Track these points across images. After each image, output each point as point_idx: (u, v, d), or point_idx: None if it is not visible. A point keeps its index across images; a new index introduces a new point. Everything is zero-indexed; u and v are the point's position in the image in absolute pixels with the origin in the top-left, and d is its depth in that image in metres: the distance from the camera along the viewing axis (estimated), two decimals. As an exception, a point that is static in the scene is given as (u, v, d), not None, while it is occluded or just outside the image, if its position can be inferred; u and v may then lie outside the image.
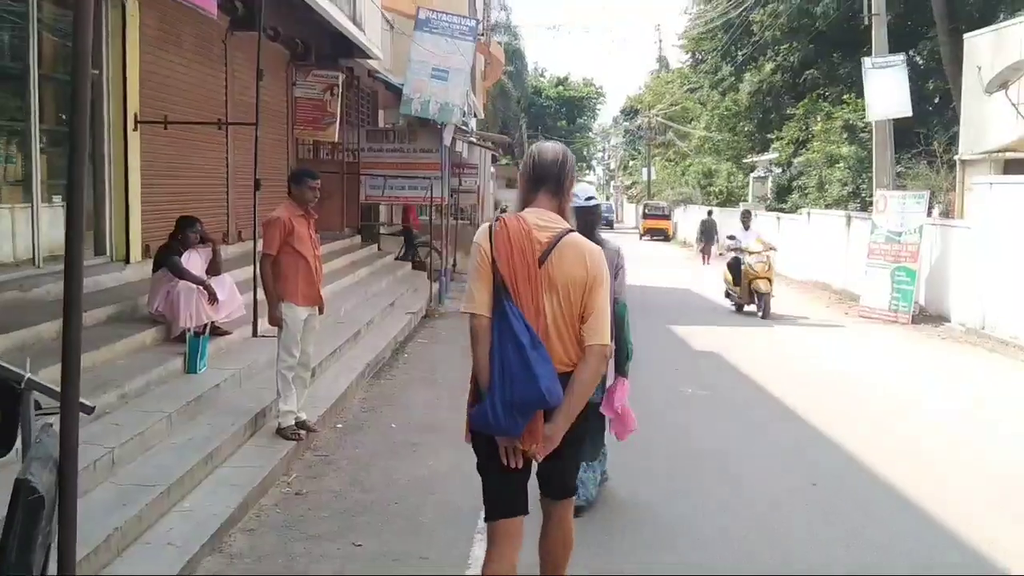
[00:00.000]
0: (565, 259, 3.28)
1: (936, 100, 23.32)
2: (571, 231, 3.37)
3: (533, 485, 3.50)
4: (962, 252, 13.70)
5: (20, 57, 7.31)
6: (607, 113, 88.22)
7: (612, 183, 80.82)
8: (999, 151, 15.30)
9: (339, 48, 14.55)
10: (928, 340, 12.94)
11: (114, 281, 8.28)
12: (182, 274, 7.15)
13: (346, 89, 14.73)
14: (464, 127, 20.16)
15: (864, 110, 21.56)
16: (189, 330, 7.04)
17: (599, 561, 4.63)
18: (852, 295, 16.88)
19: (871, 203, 19.52)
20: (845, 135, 22.54)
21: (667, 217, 42.56)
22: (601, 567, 4.59)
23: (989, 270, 12.65)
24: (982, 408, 8.80)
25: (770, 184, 30.31)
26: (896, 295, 14.69)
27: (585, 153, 71.56)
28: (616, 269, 4.95)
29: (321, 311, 6.79)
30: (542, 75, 65.24)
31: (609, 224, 53.09)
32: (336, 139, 14.35)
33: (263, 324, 7.73)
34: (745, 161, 35.06)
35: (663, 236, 41.51)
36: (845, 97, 23.63)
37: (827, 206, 21.93)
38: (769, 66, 29.69)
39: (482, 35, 18.97)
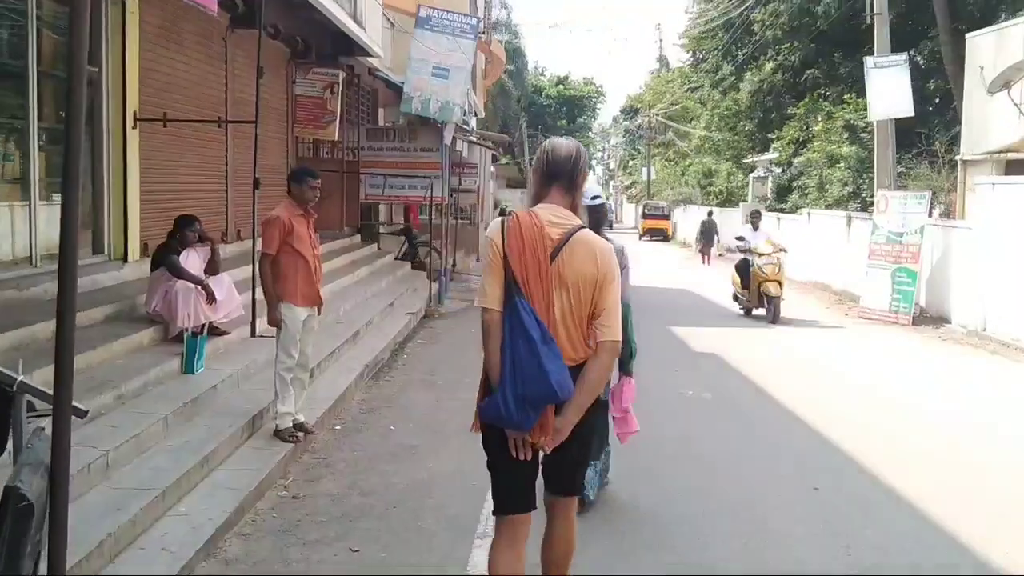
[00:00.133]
0: (576, 256, 3.30)
1: (937, 100, 23.26)
2: (583, 227, 3.39)
3: (541, 485, 3.50)
4: (963, 253, 13.64)
5: (19, 54, 7.25)
6: (607, 112, 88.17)
7: (612, 183, 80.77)
8: (1001, 151, 15.24)
9: (339, 46, 14.48)
10: (929, 342, 12.89)
11: (112, 280, 8.22)
12: (180, 273, 7.09)
13: (346, 87, 14.67)
14: (465, 126, 20.10)
15: (865, 110, 21.52)
16: (187, 330, 6.98)
17: (600, 562, 4.57)
18: (852, 296, 16.82)
19: (871, 203, 19.46)
20: (846, 135, 22.47)
21: (667, 217, 42.52)
22: (601, 568, 4.53)
23: (991, 271, 12.59)
24: (986, 411, 8.73)
25: (770, 184, 30.25)
26: (897, 296, 14.64)
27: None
28: (620, 268, 4.91)
29: (320, 311, 6.73)
30: (542, 74, 65.15)
31: (608, 224, 52.99)
32: (336, 138, 14.30)
33: (261, 324, 7.67)
34: (745, 161, 35.01)
35: (662, 236, 41.48)
36: (846, 97, 23.56)
37: (827, 206, 21.87)
38: (770, 65, 29.62)
39: (483, 33, 18.89)
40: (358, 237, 16.76)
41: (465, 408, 7.81)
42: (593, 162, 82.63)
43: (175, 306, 7.03)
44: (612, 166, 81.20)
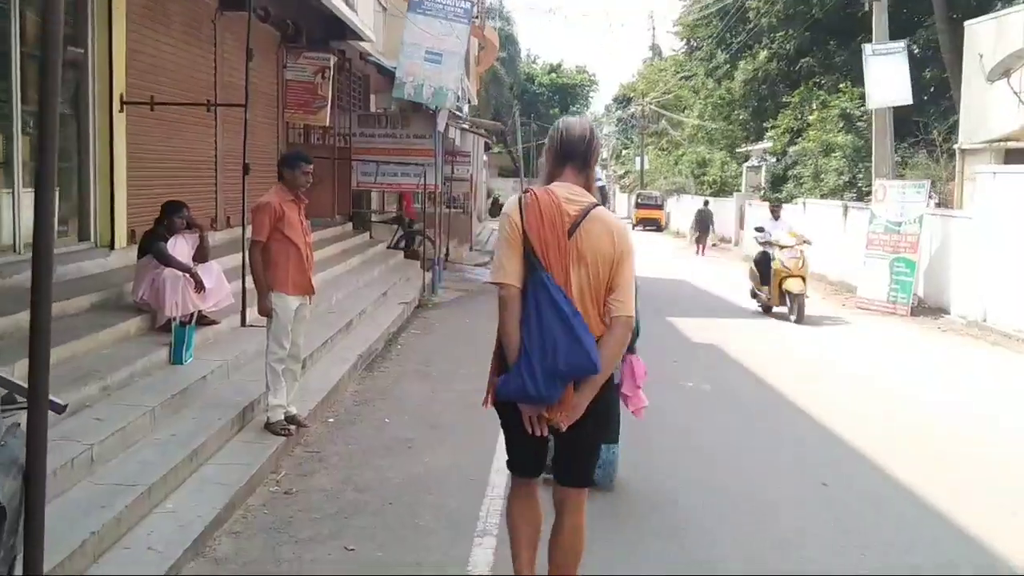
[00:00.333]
0: (592, 232, 3.34)
1: (932, 89, 23.10)
2: (597, 205, 3.43)
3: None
4: (963, 243, 13.50)
5: (2, 36, 7.00)
6: (600, 101, 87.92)
7: (604, 172, 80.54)
8: (1000, 140, 15.11)
9: (331, 30, 14.23)
10: (928, 333, 12.76)
11: (98, 268, 7.99)
12: (168, 261, 6.87)
13: (337, 72, 14.41)
14: (458, 113, 19.87)
15: (861, 98, 21.39)
16: (175, 319, 6.77)
17: (606, 561, 4.40)
18: (849, 286, 16.68)
19: (868, 193, 19.32)
20: (841, 124, 22.31)
21: (660, 207, 42.28)
22: (607, 565, 4.36)
23: (991, 261, 12.46)
24: (990, 403, 8.60)
25: (764, 173, 30.10)
26: (895, 286, 14.51)
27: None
28: None
29: (312, 300, 6.52)
30: (534, 62, 64.85)
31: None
32: (327, 123, 14.05)
33: (252, 313, 7.47)
34: (739, 150, 34.84)
35: (656, 226, 41.26)
36: (841, 86, 23.40)
37: (823, 196, 21.72)
38: (764, 53, 29.46)
39: (476, 18, 18.64)
40: (350, 225, 16.52)
41: (461, 400, 7.72)
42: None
43: (163, 294, 6.82)
44: (605, 155, 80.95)
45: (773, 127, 27.94)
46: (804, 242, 13.46)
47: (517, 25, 48.68)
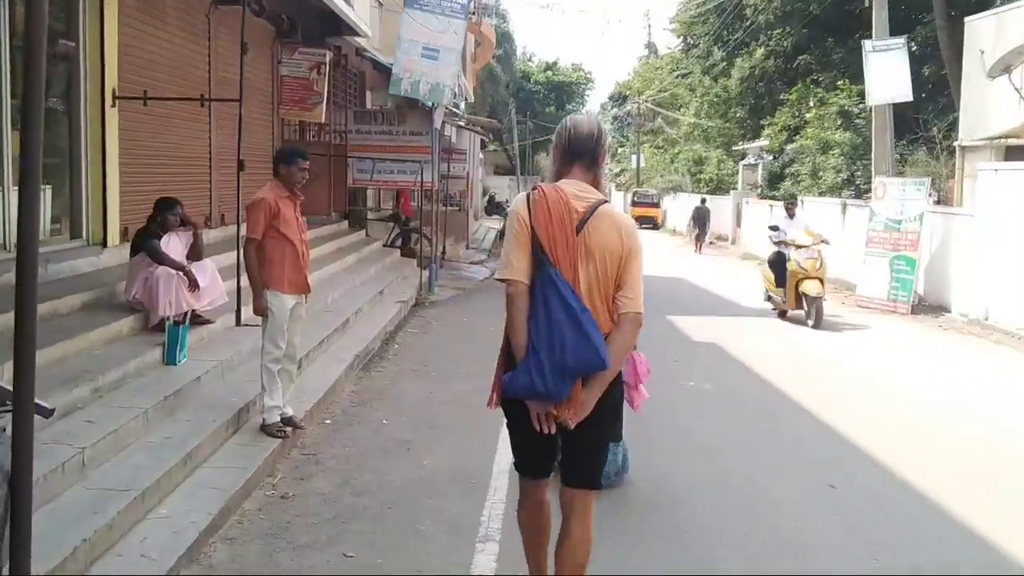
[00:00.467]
0: (601, 229, 3.32)
1: (930, 86, 23.03)
2: (605, 202, 3.41)
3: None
4: (964, 240, 13.40)
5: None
6: (595, 99, 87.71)
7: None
8: (1000, 137, 15.04)
9: (326, 25, 14.09)
10: (930, 331, 12.66)
11: (90, 266, 7.84)
12: (161, 259, 6.74)
13: (333, 68, 14.26)
14: (455, 110, 19.74)
15: (859, 96, 21.31)
16: (168, 319, 6.62)
17: (603, 557, 4.28)
18: (848, 284, 16.57)
19: (866, 190, 19.24)
20: (839, 121, 22.21)
21: (656, 205, 42.22)
22: (607, 563, 4.25)
23: (993, 259, 12.36)
24: (996, 402, 8.49)
25: (761, 171, 30.01)
26: (895, 284, 14.40)
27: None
28: None
29: (307, 299, 6.38)
30: (530, 59, 64.66)
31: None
32: (323, 120, 13.89)
33: (247, 312, 7.31)
34: (735, 148, 34.75)
35: (652, 224, 41.16)
36: (839, 83, 23.30)
37: (821, 193, 21.63)
38: (761, 51, 29.35)
39: (473, 14, 18.50)
40: (345, 223, 16.37)
41: (459, 400, 7.60)
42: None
43: (156, 293, 6.67)
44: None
45: (770, 124, 27.84)
46: (822, 241, 12.86)
47: (513, 22, 48.51)
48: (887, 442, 6.70)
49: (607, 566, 4.20)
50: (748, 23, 29.45)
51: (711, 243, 28.89)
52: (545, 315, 3.20)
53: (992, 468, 6.31)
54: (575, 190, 3.37)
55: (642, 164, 50.99)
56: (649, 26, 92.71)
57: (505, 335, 3.39)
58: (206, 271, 7.11)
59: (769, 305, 13.50)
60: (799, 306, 12.60)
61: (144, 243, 6.83)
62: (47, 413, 2.69)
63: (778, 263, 12.93)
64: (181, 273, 6.75)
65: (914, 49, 23.35)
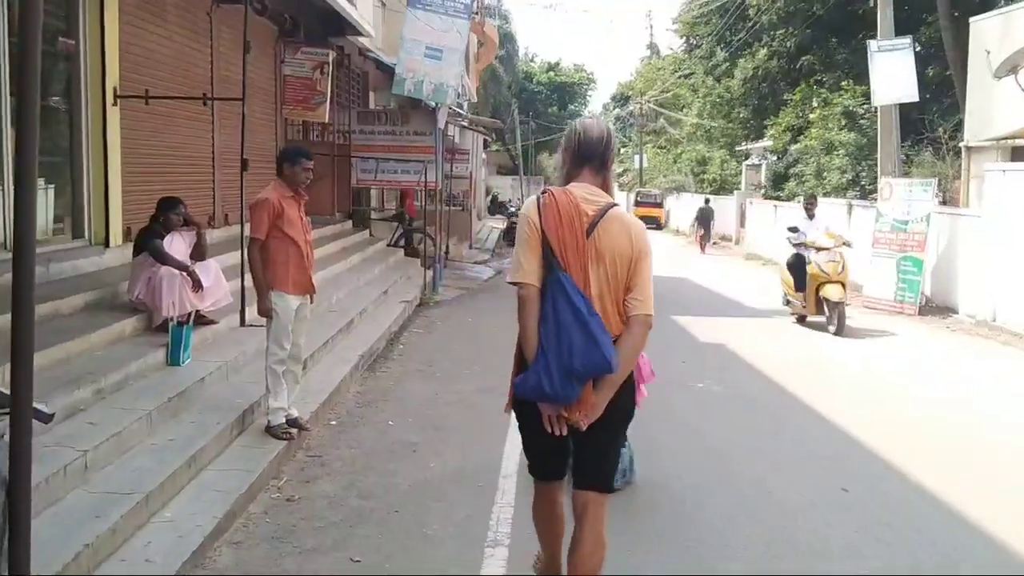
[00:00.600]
0: (611, 231, 3.34)
1: (934, 87, 22.94)
2: (615, 205, 3.43)
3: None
4: (972, 241, 13.30)
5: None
6: (597, 100, 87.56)
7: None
8: (1007, 137, 14.92)
9: (329, 25, 14.03)
10: (937, 332, 12.56)
11: (92, 266, 7.77)
12: (164, 259, 6.66)
13: (336, 68, 14.19)
14: (459, 110, 19.66)
15: (863, 96, 21.21)
16: (172, 319, 6.55)
17: (613, 563, 4.21)
18: (854, 285, 16.44)
19: (871, 191, 19.14)
20: (844, 122, 22.11)
21: (659, 205, 42.11)
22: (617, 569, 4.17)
23: (1001, 260, 12.25)
24: (1012, 403, 8.39)
25: (764, 172, 29.92)
26: (902, 286, 14.30)
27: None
28: None
29: (312, 299, 6.31)
30: (532, 60, 64.56)
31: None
32: (327, 120, 13.82)
33: (251, 312, 7.26)
34: (739, 148, 34.66)
35: (655, 224, 41.01)
36: (843, 83, 23.20)
37: (825, 194, 21.50)
38: (763, 52, 29.25)
39: (476, 14, 18.42)
40: (349, 223, 16.30)
41: (465, 401, 7.53)
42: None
43: (159, 293, 6.60)
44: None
45: (774, 125, 27.74)
46: (844, 243, 12.25)
47: (515, 23, 48.44)
48: (903, 445, 6.60)
49: (608, 566, 4.13)
50: (751, 23, 29.35)
51: (715, 243, 28.82)
52: (554, 318, 3.21)
53: (1016, 473, 6.22)
54: (585, 193, 3.40)
55: (645, 164, 50.88)
56: (651, 26, 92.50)
57: (518, 338, 3.39)
58: (210, 271, 7.05)
59: (787, 309, 12.90)
60: (820, 312, 11.98)
61: (147, 243, 6.76)
62: (46, 418, 2.61)
63: (797, 266, 12.31)
64: (184, 273, 6.68)
65: (918, 49, 23.18)
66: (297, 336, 6.07)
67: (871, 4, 17.94)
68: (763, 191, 28.06)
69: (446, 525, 4.81)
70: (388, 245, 16.80)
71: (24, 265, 2.41)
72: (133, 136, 8.55)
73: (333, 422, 6.76)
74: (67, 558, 3.66)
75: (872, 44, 16.88)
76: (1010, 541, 4.87)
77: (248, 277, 6.52)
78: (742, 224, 28.39)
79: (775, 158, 28.52)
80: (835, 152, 21.93)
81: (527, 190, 45.01)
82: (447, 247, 17.45)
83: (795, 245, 12.48)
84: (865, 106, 20.87)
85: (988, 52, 15.07)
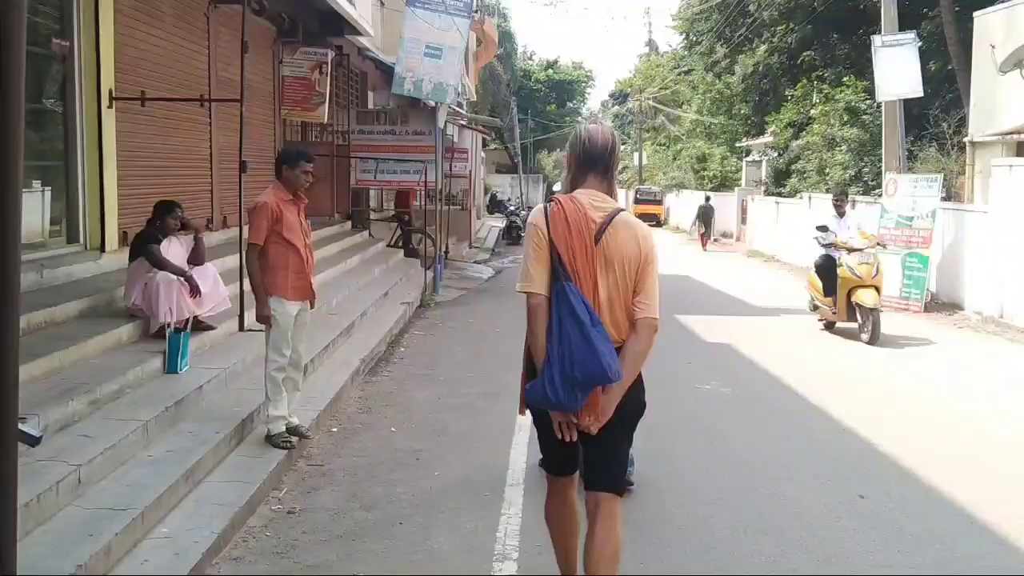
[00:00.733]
0: (619, 237, 3.38)
1: (935, 82, 22.76)
2: (622, 210, 3.46)
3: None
4: (978, 237, 13.16)
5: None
6: (596, 97, 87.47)
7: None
8: (1012, 132, 14.78)
9: (327, 25, 13.87)
10: (944, 329, 12.41)
11: (87, 272, 7.62)
12: (161, 264, 6.53)
13: (335, 68, 14.05)
14: (459, 109, 19.51)
15: (865, 91, 21.06)
16: (169, 325, 6.41)
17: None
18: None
19: (874, 187, 19.00)
20: (846, 117, 21.94)
21: (659, 202, 41.96)
22: None
23: (1009, 256, 12.11)
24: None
25: (765, 168, 29.77)
26: (908, 282, 14.15)
27: (575, 137, 70.63)
28: None
29: (312, 305, 6.16)
30: (530, 58, 64.37)
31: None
32: (326, 120, 13.69)
33: (250, 318, 7.10)
34: (739, 145, 34.49)
35: (655, 222, 40.86)
36: (845, 79, 23.03)
37: (828, 190, 21.35)
38: (763, 48, 29.09)
39: (476, 12, 18.27)
40: (349, 224, 16.16)
41: (468, 406, 7.38)
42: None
43: (156, 299, 6.46)
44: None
45: (775, 121, 27.58)
46: (878, 244, 11.55)
47: (513, 22, 48.30)
48: (920, 449, 6.46)
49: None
50: (751, 19, 29.19)
51: (716, 240, 28.68)
52: (558, 328, 3.26)
53: None
54: (591, 200, 3.43)
55: (644, 161, 50.74)
56: (649, 24, 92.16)
57: (526, 343, 3.46)
58: (208, 276, 6.90)
59: (815, 315, 12.01)
60: (851, 318, 11.10)
61: (143, 247, 6.62)
62: (34, 441, 2.46)
63: (827, 268, 11.40)
64: (182, 278, 6.55)
65: (920, 45, 23.09)
66: (297, 342, 5.93)
67: (873, -1, 17.76)
68: (764, 188, 27.90)
69: (452, 538, 4.67)
70: (388, 246, 16.67)
71: (8, 279, 2.26)
72: (129, 138, 8.40)
73: (335, 429, 6.62)
74: (60, 580, 3.53)
75: (876, 39, 16.71)
76: (1033, 549, 4.73)
77: (247, 281, 6.37)
78: (743, 221, 28.25)
79: (776, 154, 28.36)
80: (837, 148, 21.78)
81: (526, 188, 44.93)
82: (447, 247, 17.30)
83: (824, 246, 11.56)
84: (868, 101, 20.72)
85: (993, 47, 14.94)
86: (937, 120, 18.27)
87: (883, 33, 16.80)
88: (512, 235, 27.37)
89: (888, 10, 16.92)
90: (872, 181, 19.50)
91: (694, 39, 35.99)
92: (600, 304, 3.32)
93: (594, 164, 3.52)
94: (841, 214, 11.81)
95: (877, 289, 10.93)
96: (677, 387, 8.01)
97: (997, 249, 12.44)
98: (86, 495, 4.35)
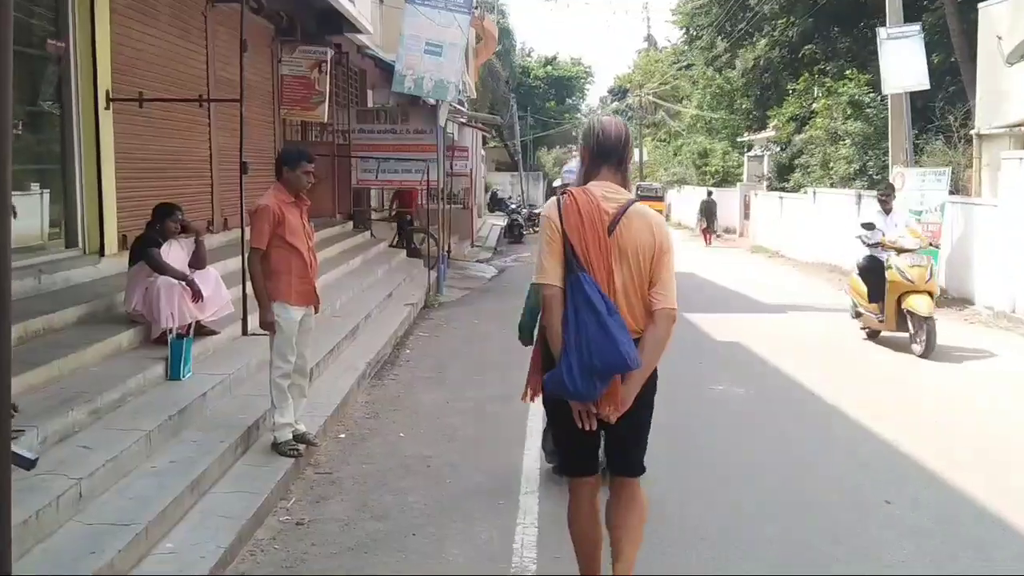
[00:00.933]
0: (633, 227, 3.40)
1: (938, 74, 22.56)
2: (635, 201, 3.47)
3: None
4: (988, 231, 12.99)
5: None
6: (595, 93, 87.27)
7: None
8: (1019, 125, 14.59)
9: (326, 23, 13.71)
10: (955, 324, 12.21)
11: (86, 277, 7.46)
12: (161, 268, 6.37)
13: (334, 67, 13.89)
14: (460, 106, 19.36)
15: (868, 85, 20.88)
16: (171, 331, 6.25)
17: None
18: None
19: (879, 181, 18.81)
20: (850, 111, 21.76)
21: (660, 198, 41.67)
22: None
23: (1019, 251, 11.94)
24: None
25: (767, 163, 29.60)
26: (916, 277, 13.97)
27: (574, 134, 70.50)
28: None
29: (317, 309, 6.00)
30: (529, 55, 64.13)
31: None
32: (326, 119, 13.55)
33: (253, 322, 6.95)
34: (741, 140, 34.32)
35: (656, 217, 40.79)
36: (848, 72, 22.84)
37: (832, 185, 21.21)
38: (764, 42, 28.90)
39: (476, 8, 18.11)
40: (351, 224, 16.00)
41: (477, 409, 7.21)
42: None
43: (157, 304, 6.30)
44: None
45: (777, 115, 27.40)
46: (931, 244, 10.26)
47: (511, 18, 48.12)
48: (944, 450, 6.32)
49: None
50: (752, 13, 29.02)
51: (719, 236, 28.54)
52: (574, 318, 3.26)
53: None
54: (605, 191, 3.45)
55: (645, 158, 50.57)
56: (648, 19, 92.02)
57: (541, 334, 3.51)
58: (209, 279, 6.75)
59: (858, 322, 10.83)
60: (901, 327, 9.87)
61: (143, 251, 6.47)
62: (28, 464, 2.32)
63: (872, 271, 10.25)
64: (183, 283, 6.39)
65: (923, 36, 22.90)
66: (302, 348, 5.77)
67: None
68: (767, 182, 27.74)
69: (467, 549, 4.52)
70: (390, 246, 16.52)
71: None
72: (127, 140, 8.25)
73: (342, 435, 6.47)
74: (61, 601, 3.37)
75: (881, 31, 16.53)
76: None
77: (250, 284, 6.22)
78: (746, 216, 28.10)
79: (779, 149, 28.18)
80: (841, 142, 21.60)
81: (526, 186, 44.75)
82: (449, 246, 17.15)
83: (870, 246, 10.34)
84: (871, 95, 20.54)
85: (999, 38, 14.74)
86: (943, 113, 18.08)
87: (888, 25, 16.62)
88: (514, 233, 27.22)
89: (892, 2, 16.74)
90: (877, 175, 19.31)
91: (694, 34, 35.84)
92: (616, 294, 3.33)
93: (608, 156, 3.54)
94: (888, 211, 10.67)
95: (931, 295, 9.76)
96: (688, 389, 7.84)
97: (1007, 243, 12.27)
98: (87, 510, 4.19)
